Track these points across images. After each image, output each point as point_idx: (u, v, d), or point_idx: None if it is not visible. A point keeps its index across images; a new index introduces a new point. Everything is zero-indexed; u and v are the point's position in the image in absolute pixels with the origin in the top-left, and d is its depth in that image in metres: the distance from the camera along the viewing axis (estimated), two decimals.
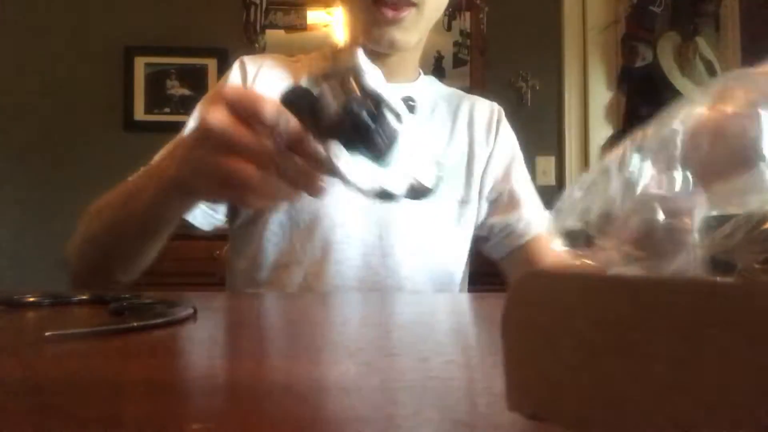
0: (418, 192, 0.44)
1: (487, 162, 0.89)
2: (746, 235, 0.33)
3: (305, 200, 0.80)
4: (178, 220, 0.66)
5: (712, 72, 2.35)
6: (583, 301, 0.16)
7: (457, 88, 0.97)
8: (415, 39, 0.81)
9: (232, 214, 0.85)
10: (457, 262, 0.86)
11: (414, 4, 0.77)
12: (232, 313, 0.54)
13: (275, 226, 0.81)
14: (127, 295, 0.51)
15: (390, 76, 0.86)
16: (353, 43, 0.83)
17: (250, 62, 0.85)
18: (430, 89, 0.92)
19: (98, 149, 2.63)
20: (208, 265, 0.91)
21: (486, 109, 0.92)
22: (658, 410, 0.14)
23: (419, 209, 0.81)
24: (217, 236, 0.94)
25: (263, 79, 0.84)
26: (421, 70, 0.93)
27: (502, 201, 0.88)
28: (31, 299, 0.51)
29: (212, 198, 0.57)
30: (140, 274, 0.73)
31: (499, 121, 0.91)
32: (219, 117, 0.45)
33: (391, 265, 0.81)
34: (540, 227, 0.86)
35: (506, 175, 0.89)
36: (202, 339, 0.40)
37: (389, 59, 0.82)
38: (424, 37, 0.86)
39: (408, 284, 0.81)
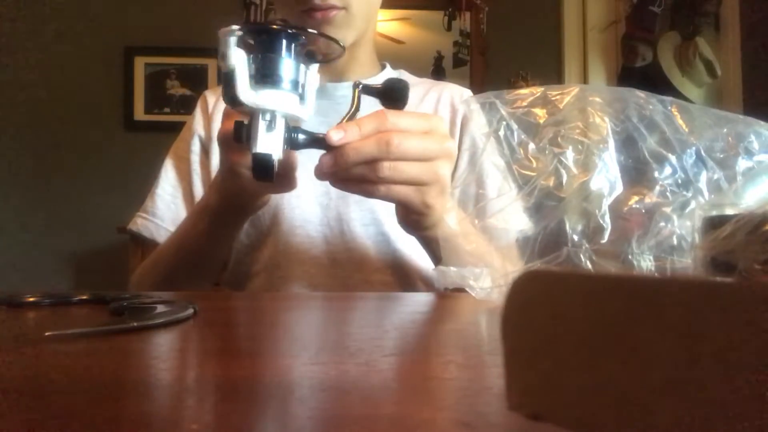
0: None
1: None
2: (746, 235, 0.33)
3: (264, 208, 0.81)
4: (236, 234, 0.76)
5: (712, 72, 2.35)
6: (583, 301, 0.16)
7: None
8: (351, 36, 0.81)
9: None
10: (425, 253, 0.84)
11: (341, 8, 0.77)
12: (232, 313, 0.54)
13: (243, 236, 0.83)
14: (127, 295, 0.51)
15: (343, 73, 0.88)
16: None
17: (211, 95, 0.95)
18: None
19: (98, 149, 2.63)
20: None
21: (455, 96, 0.90)
22: (658, 410, 0.14)
23: (376, 201, 0.81)
24: None
25: (221, 107, 0.86)
26: (387, 64, 0.93)
27: (468, 193, 0.85)
28: (31, 299, 0.51)
29: (251, 188, 0.63)
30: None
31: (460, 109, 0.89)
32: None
33: (357, 258, 0.81)
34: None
35: (471, 166, 0.86)
36: (202, 339, 0.40)
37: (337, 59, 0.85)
38: (370, 32, 0.87)
39: (376, 276, 0.81)
